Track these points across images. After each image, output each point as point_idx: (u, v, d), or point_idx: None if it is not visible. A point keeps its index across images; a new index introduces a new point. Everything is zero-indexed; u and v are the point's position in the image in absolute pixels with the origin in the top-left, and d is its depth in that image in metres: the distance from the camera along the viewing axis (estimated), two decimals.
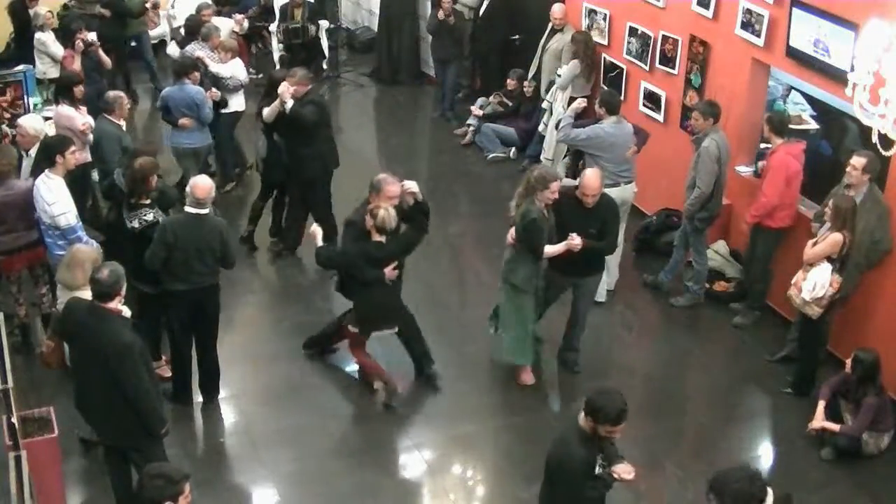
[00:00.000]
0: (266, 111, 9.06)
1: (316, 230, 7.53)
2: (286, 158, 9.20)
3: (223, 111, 10.45)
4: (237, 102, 10.61)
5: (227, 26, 11.88)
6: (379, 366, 7.68)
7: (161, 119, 10.17)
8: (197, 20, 11.31)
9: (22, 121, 8.47)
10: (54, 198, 7.36)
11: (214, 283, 7.29)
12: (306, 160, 9.10)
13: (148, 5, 12.52)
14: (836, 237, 7.23)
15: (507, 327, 7.76)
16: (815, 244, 7.39)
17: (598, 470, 5.36)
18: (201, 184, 7.12)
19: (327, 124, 9.37)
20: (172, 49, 11.76)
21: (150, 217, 7.22)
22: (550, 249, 7.41)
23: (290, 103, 8.78)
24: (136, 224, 7.21)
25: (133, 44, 12.94)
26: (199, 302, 7.26)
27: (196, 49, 10.48)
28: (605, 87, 10.56)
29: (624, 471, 5.40)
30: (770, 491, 4.78)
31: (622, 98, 10.28)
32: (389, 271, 7.26)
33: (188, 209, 7.11)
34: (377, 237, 7.17)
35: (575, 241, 7.34)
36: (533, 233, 7.32)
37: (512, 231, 7.50)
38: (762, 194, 8.09)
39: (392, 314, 7.55)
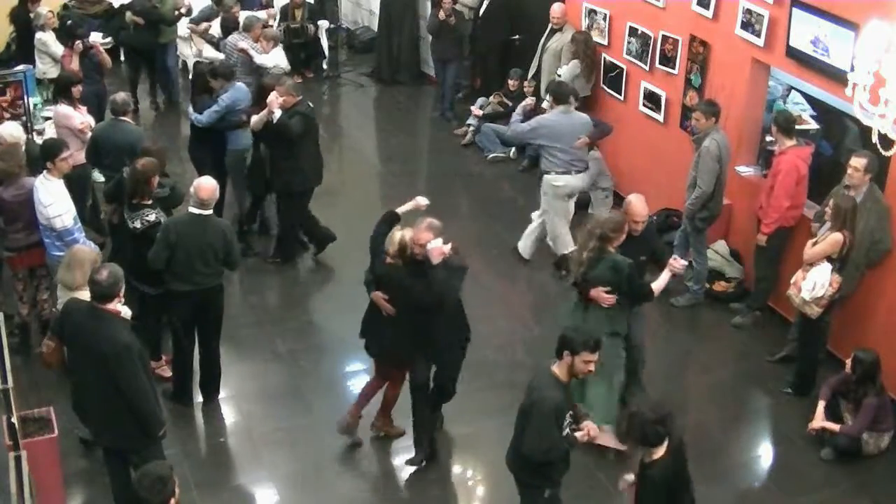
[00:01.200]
0: (254, 119, 8.89)
1: (420, 200, 7.12)
2: (269, 169, 9.09)
3: None
4: None
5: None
6: (360, 406, 7.18)
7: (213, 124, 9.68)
8: (231, 18, 11.37)
9: (1, 130, 8.41)
10: (51, 199, 7.34)
11: (218, 285, 7.30)
12: (287, 173, 8.95)
13: (182, 10, 12.34)
14: (837, 237, 7.23)
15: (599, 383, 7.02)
16: (814, 244, 7.39)
17: (565, 430, 5.54)
18: (205, 185, 7.13)
19: (314, 139, 9.14)
20: (211, 52, 11.73)
21: (151, 217, 7.23)
22: (659, 285, 6.97)
23: (277, 113, 8.65)
24: (137, 224, 7.21)
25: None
26: (202, 303, 7.26)
27: (238, 40, 10.60)
28: (605, 87, 10.60)
29: (591, 428, 5.65)
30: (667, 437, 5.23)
31: (622, 98, 10.32)
32: (378, 297, 6.74)
33: (191, 209, 7.12)
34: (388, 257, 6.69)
35: (678, 263, 6.99)
36: (635, 277, 6.93)
37: (599, 291, 6.87)
38: (774, 199, 8.04)
39: (374, 341, 6.98)
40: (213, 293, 7.28)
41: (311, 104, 9.17)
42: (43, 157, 7.56)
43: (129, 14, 12.16)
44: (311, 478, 6.98)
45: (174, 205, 7.72)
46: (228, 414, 7.64)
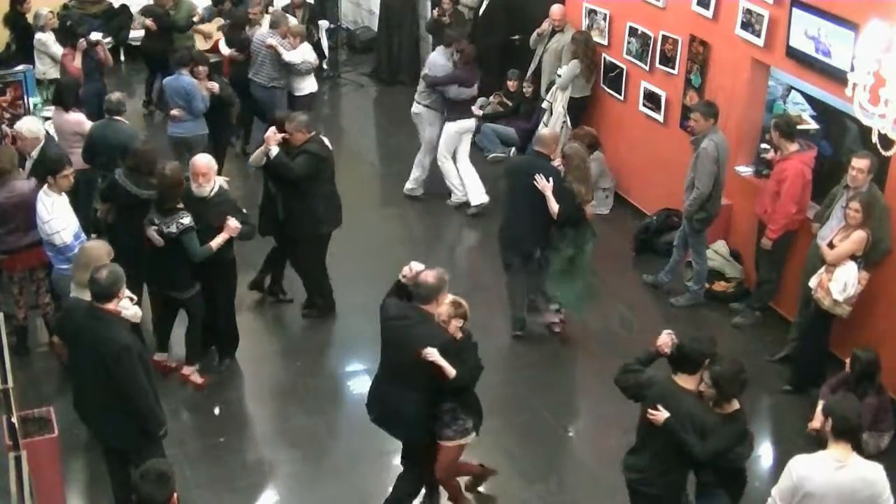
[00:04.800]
0: (253, 156, 8.30)
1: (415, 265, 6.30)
2: (280, 210, 8.24)
3: (297, 94, 10.90)
4: (310, 85, 10.97)
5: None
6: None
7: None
8: (242, 14, 11.55)
9: (20, 125, 8.40)
10: (49, 215, 7.25)
11: None
12: (295, 216, 8.14)
13: (195, 19, 12.13)
14: (861, 235, 7.22)
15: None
16: (831, 245, 7.36)
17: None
18: (207, 160, 7.47)
19: (327, 179, 8.29)
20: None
21: (186, 220, 7.15)
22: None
23: (273, 150, 7.92)
24: (174, 229, 7.13)
25: None
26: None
27: (266, 37, 10.68)
28: (605, 87, 10.60)
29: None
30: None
31: (622, 98, 10.33)
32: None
33: (223, 184, 7.57)
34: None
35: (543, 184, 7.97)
36: None
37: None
38: (781, 206, 8.02)
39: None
40: None
41: (326, 140, 8.43)
42: (44, 170, 7.47)
43: (141, 17, 12.04)
44: (311, 478, 6.98)
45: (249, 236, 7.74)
46: (228, 414, 7.64)
